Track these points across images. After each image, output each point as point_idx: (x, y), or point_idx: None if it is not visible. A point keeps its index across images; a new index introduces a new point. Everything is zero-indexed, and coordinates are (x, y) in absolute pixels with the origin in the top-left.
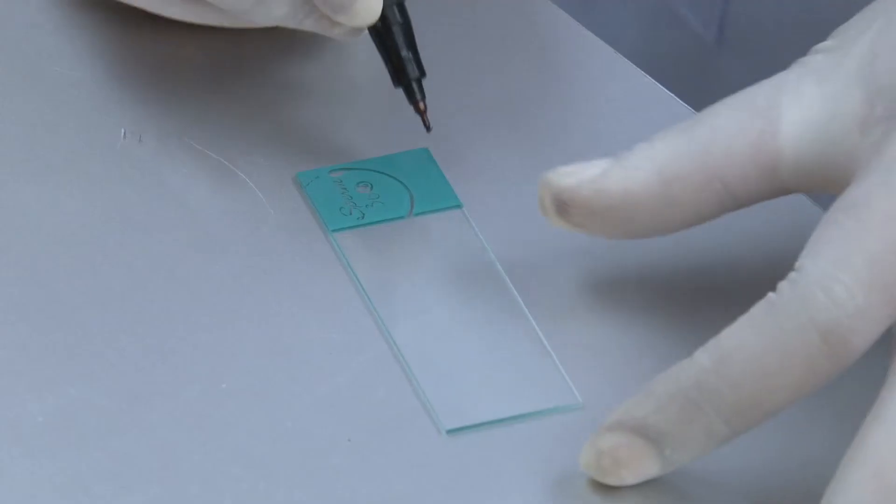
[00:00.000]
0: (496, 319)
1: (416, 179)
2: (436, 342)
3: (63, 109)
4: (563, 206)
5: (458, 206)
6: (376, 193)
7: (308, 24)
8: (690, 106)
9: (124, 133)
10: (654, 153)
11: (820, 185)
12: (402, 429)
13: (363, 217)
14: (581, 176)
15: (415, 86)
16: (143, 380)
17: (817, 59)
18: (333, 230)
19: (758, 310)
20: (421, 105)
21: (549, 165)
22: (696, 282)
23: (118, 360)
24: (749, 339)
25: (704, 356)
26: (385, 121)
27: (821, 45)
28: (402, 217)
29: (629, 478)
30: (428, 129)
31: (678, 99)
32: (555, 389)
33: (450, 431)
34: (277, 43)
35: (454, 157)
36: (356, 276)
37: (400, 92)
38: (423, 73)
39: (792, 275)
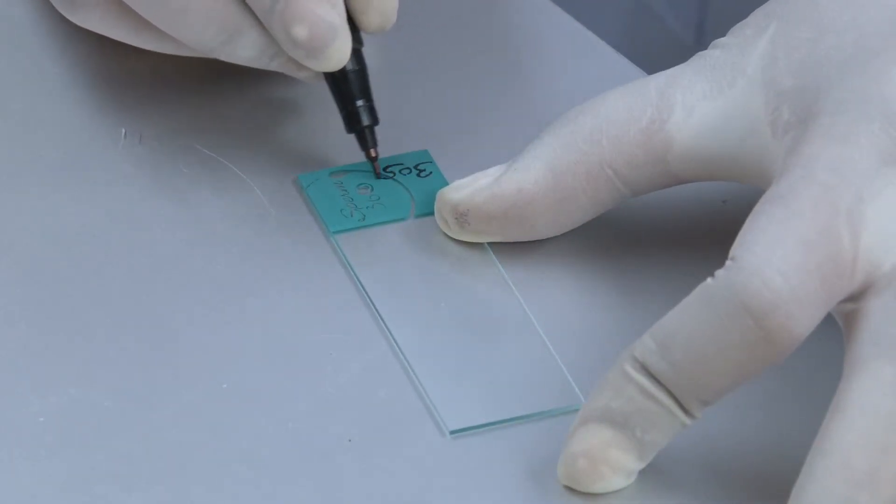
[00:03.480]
0: (498, 320)
1: (417, 181)
2: (438, 343)
3: (63, 109)
4: (462, 217)
5: None
6: (377, 195)
7: (275, 66)
8: None
9: (125, 133)
10: (544, 149)
11: (714, 175)
12: (405, 430)
13: (364, 219)
14: (475, 185)
15: (367, 133)
16: (144, 380)
17: (715, 54)
18: (334, 232)
19: (694, 296)
20: (372, 153)
21: None
22: (699, 282)
23: (118, 360)
24: (687, 324)
25: (649, 338)
26: (385, 123)
27: (719, 41)
28: (402, 219)
29: (611, 474)
30: (378, 176)
31: None
32: (558, 391)
33: (453, 433)
34: None
35: (454, 158)
36: (357, 277)
37: (400, 94)
38: (376, 122)
39: (728, 263)
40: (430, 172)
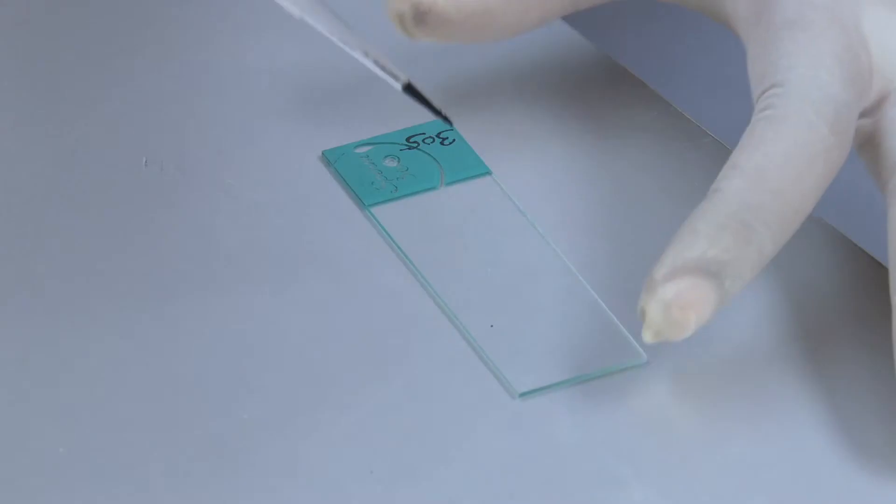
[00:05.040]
0: (545, 281)
1: (442, 149)
2: (491, 308)
3: (84, 138)
4: (422, 17)
5: (488, 173)
6: (405, 166)
7: None
8: None
9: (145, 161)
10: None
11: None
12: (472, 394)
13: (396, 190)
14: None
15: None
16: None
17: None
18: (369, 205)
19: (762, 125)
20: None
21: (563, 125)
22: None
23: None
24: (771, 149)
25: (734, 181)
26: (400, 94)
27: None
28: (434, 188)
29: (693, 322)
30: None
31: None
32: (618, 347)
33: (522, 395)
34: (289, 30)
35: (471, 127)
36: (400, 248)
37: (414, 67)
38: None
39: (776, 90)
40: (454, 140)
